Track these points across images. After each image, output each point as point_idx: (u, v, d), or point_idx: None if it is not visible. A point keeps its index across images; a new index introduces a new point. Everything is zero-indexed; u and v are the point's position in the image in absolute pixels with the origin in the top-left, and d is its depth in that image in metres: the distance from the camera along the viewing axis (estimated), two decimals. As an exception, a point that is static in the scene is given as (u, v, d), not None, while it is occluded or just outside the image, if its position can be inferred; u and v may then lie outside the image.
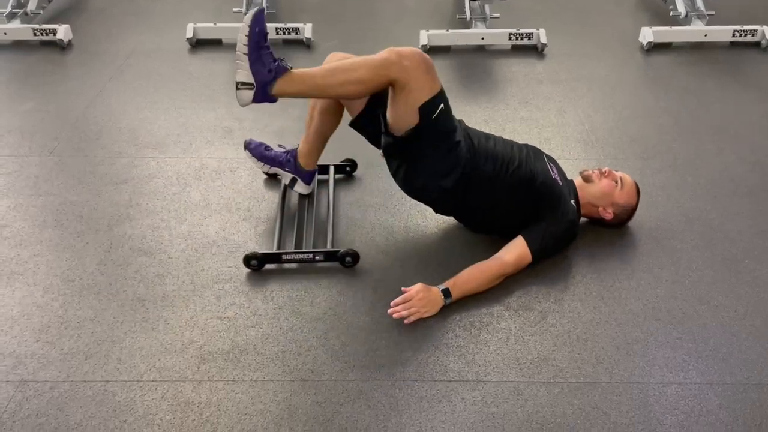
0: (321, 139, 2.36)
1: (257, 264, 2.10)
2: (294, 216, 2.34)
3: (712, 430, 1.64)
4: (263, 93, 1.95)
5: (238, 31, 1.95)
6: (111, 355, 1.82)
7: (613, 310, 1.99)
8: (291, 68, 1.96)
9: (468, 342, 1.87)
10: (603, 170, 2.23)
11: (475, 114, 3.04)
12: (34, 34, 3.61)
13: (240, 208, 2.40)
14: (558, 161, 2.36)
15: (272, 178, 2.52)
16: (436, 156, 2.04)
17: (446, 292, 1.96)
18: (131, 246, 2.21)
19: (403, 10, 4.20)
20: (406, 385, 1.75)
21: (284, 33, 3.69)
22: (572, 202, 2.16)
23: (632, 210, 2.26)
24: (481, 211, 2.15)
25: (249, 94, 1.95)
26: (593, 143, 2.83)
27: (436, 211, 2.27)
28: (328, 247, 2.15)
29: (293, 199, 2.43)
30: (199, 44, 3.68)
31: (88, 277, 2.09)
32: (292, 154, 2.37)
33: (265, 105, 3.08)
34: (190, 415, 1.66)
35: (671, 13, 3.84)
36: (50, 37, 3.60)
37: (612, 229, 2.28)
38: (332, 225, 2.26)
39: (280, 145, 2.46)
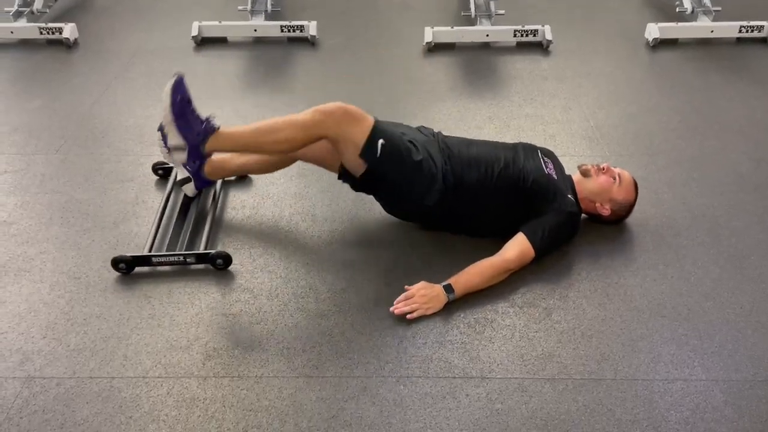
0: (242, 170, 2.38)
1: (125, 267, 2.06)
2: (179, 216, 2.28)
3: (718, 427, 1.64)
4: (196, 153, 2.01)
5: (169, 83, 2.00)
6: (117, 351, 1.83)
7: (618, 306, 1.98)
8: (218, 127, 2.00)
9: (472, 339, 1.88)
10: (602, 166, 2.23)
11: (479, 111, 3.04)
12: (41, 33, 3.63)
13: (245, 206, 2.41)
14: (563, 158, 2.36)
15: (161, 179, 2.50)
16: (403, 182, 2.07)
17: (448, 288, 1.96)
18: (137, 243, 2.22)
19: (407, 7, 4.20)
20: (411, 382, 1.75)
21: (289, 31, 3.69)
22: (569, 196, 2.16)
23: (630, 207, 2.25)
24: (473, 217, 2.16)
25: (182, 155, 2.01)
26: (598, 140, 2.82)
27: (437, 228, 2.23)
28: (201, 249, 2.11)
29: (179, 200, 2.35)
30: (204, 42, 3.69)
31: (94, 274, 2.10)
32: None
33: (268, 100, 3.12)
34: (196, 411, 1.67)
35: (677, 9, 3.82)
36: (56, 35, 3.61)
37: (611, 225, 2.28)
38: (209, 226, 2.22)
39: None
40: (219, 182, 2.44)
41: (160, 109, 1.95)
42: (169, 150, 2.02)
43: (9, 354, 1.83)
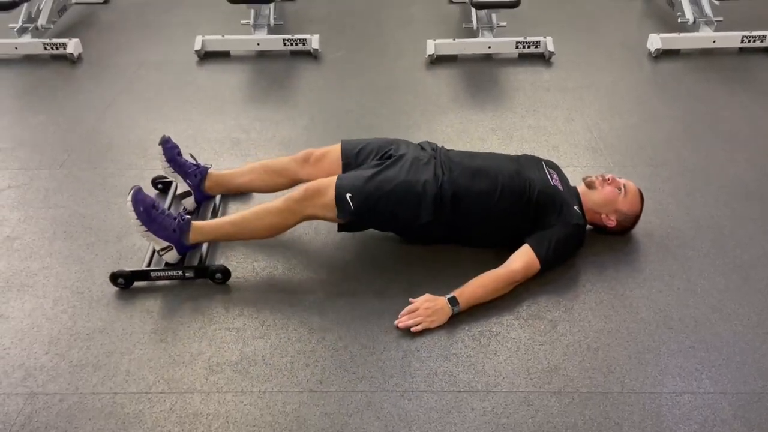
0: (239, 190, 2.42)
1: (124, 282, 2.06)
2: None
3: (727, 441, 1.62)
4: (182, 246, 2.08)
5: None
6: (120, 366, 1.82)
7: (624, 318, 1.97)
8: (191, 220, 2.08)
9: (477, 352, 1.86)
10: (606, 177, 2.22)
11: (482, 122, 3.04)
12: (45, 49, 3.65)
13: (248, 219, 2.40)
14: (566, 169, 2.35)
15: (161, 193, 2.52)
16: (390, 214, 2.09)
17: (453, 301, 1.95)
18: (140, 257, 2.21)
19: (409, 19, 4.21)
20: (416, 396, 1.73)
21: (291, 44, 3.71)
22: (575, 207, 2.15)
23: (636, 217, 2.24)
24: (478, 228, 2.14)
25: (173, 253, 2.08)
26: (602, 150, 2.82)
27: (442, 242, 2.23)
28: (199, 263, 2.12)
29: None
30: (207, 56, 3.70)
31: (97, 288, 2.09)
32: (201, 171, 2.36)
33: (271, 114, 3.12)
34: (199, 427, 1.66)
35: (679, 20, 3.83)
36: (60, 51, 3.63)
37: (616, 236, 2.27)
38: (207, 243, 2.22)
39: (191, 155, 2.42)
40: (218, 196, 2.45)
41: (132, 221, 2.02)
42: (164, 253, 2.09)
43: (12, 370, 1.82)
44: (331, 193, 2.06)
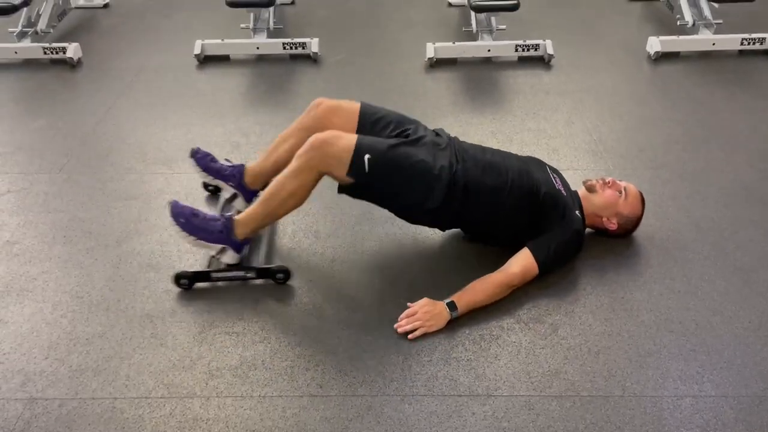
0: (277, 169, 2.33)
1: (187, 283, 2.08)
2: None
3: (729, 444, 1.61)
4: (236, 245, 2.07)
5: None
6: (119, 371, 1.82)
7: (625, 322, 1.96)
8: (233, 216, 2.08)
9: (478, 356, 1.86)
10: (607, 180, 2.22)
11: (482, 126, 3.04)
12: (44, 53, 3.66)
13: (248, 223, 2.40)
14: (566, 172, 2.35)
15: (212, 195, 2.53)
16: (400, 189, 2.05)
17: (451, 305, 1.94)
18: (140, 262, 2.21)
19: (409, 23, 4.22)
20: (416, 400, 1.73)
21: (291, 48, 3.71)
22: (577, 212, 2.15)
23: (637, 220, 2.24)
24: (486, 222, 2.14)
25: (231, 253, 2.08)
26: (602, 153, 2.81)
27: (443, 229, 2.25)
28: (261, 264, 2.13)
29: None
30: (207, 60, 3.71)
31: (96, 293, 2.09)
32: (238, 169, 2.36)
33: (270, 118, 3.12)
34: None
35: (678, 23, 3.83)
36: (60, 55, 3.64)
37: (618, 239, 2.26)
38: (268, 240, 2.25)
39: (226, 160, 2.45)
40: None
41: (179, 234, 2.05)
42: (221, 256, 2.10)
43: (11, 375, 1.81)
44: (347, 145, 1.99)
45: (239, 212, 2.24)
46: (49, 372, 1.82)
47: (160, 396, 1.74)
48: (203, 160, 2.38)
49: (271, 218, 2.13)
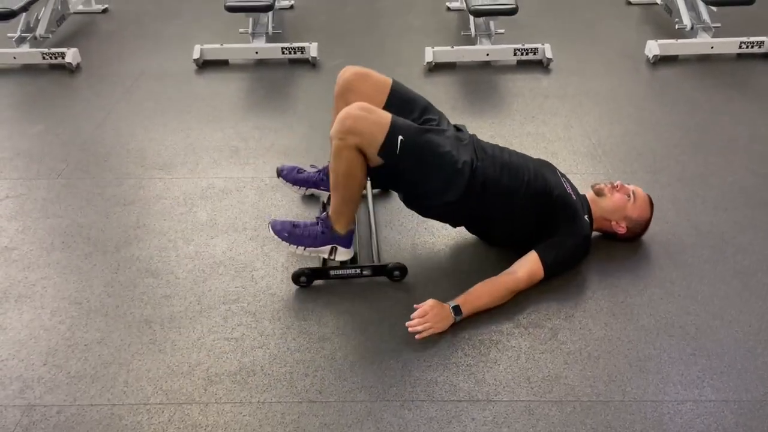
0: None
1: (306, 280, 2.10)
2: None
3: (729, 449, 1.61)
4: (341, 240, 2.09)
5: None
6: (118, 377, 1.81)
7: (625, 326, 1.96)
8: (327, 213, 2.09)
9: (478, 361, 1.85)
10: (615, 184, 2.21)
11: (481, 129, 3.03)
12: (43, 58, 3.66)
13: (247, 228, 2.40)
14: (566, 176, 2.34)
15: (311, 198, 2.54)
16: (423, 177, 2.03)
17: (456, 309, 1.94)
18: (138, 267, 2.21)
19: (408, 27, 4.22)
20: (415, 406, 1.72)
21: (290, 53, 3.72)
22: (585, 217, 2.15)
23: (646, 223, 2.24)
24: (499, 221, 2.13)
25: (341, 251, 2.10)
26: (600, 157, 2.81)
27: (454, 226, 2.25)
28: (375, 262, 2.16)
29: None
30: (205, 65, 3.71)
31: (95, 299, 2.08)
32: (324, 172, 2.38)
33: (269, 122, 3.12)
34: (198, 438, 1.65)
35: (677, 26, 3.83)
36: (59, 60, 3.64)
37: (624, 242, 2.26)
38: (376, 239, 2.26)
39: (312, 166, 2.47)
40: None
41: (289, 249, 2.08)
42: (334, 255, 2.10)
43: (9, 382, 1.81)
44: (379, 121, 1.94)
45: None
46: (47, 378, 1.81)
47: (159, 402, 1.74)
48: (291, 176, 2.42)
49: (350, 201, 2.07)
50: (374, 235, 2.28)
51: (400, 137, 1.95)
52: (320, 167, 2.44)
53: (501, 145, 2.24)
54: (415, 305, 1.97)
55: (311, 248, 2.07)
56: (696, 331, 1.94)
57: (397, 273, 2.11)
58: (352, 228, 2.12)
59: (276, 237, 2.06)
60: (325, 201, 2.40)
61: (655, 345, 1.89)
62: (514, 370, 1.82)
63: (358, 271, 2.12)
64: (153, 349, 1.90)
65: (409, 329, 1.91)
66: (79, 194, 2.61)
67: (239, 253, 2.27)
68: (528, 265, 2.03)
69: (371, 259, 2.20)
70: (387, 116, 1.98)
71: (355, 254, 2.15)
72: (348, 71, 2.23)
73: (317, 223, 2.08)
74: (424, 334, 1.90)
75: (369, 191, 2.49)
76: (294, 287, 2.12)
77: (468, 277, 2.06)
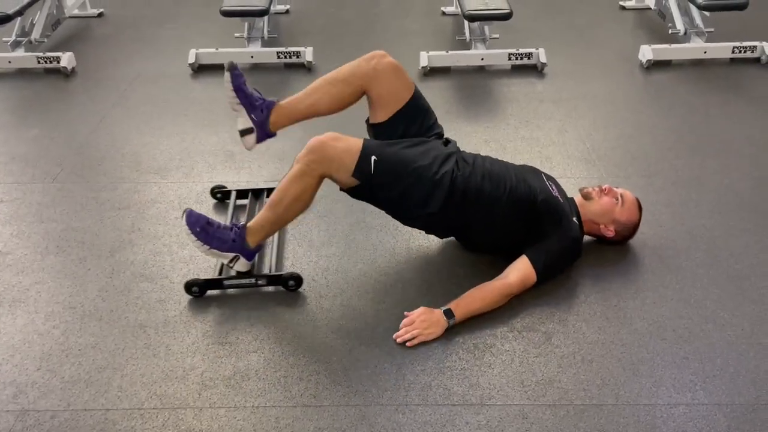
0: (310, 113, 2.24)
1: (198, 290, 2.08)
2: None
3: (722, 453, 1.61)
4: (247, 253, 2.08)
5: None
6: (112, 382, 1.81)
7: (618, 330, 1.97)
8: (245, 224, 2.07)
9: (472, 365, 1.85)
10: (603, 187, 2.22)
11: (476, 134, 3.04)
12: (38, 62, 3.66)
13: (242, 232, 2.40)
14: (560, 180, 2.35)
15: (220, 203, 2.53)
16: (402, 193, 2.05)
17: (449, 313, 1.94)
18: (133, 272, 2.21)
19: (403, 32, 4.23)
20: (410, 410, 1.72)
21: (285, 57, 3.72)
22: (574, 219, 2.16)
23: (634, 227, 2.25)
24: (483, 229, 2.14)
25: (243, 261, 2.08)
26: (595, 161, 2.83)
27: (441, 237, 2.26)
28: (272, 271, 2.14)
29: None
30: (201, 69, 3.71)
31: (89, 303, 2.08)
32: (268, 105, 2.18)
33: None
34: (192, 443, 1.65)
35: (670, 31, 3.86)
36: (54, 64, 3.64)
37: (614, 246, 2.27)
38: (276, 248, 2.26)
39: (255, 89, 2.23)
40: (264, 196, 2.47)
41: (192, 243, 2.03)
42: (233, 264, 2.09)
43: (2, 387, 1.80)
44: (349, 147, 1.99)
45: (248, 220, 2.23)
46: (41, 383, 1.81)
47: (153, 407, 1.74)
48: (238, 79, 2.16)
49: (279, 224, 2.11)
50: (274, 244, 2.27)
51: (373, 157, 1.99)
52: (267, 98, 2.22)
53: (496, 148, 2.25)
54: (405, 313, 1.97)
55: (216, 251, 2.04)
56: (689, 334, 1.95)
57: (292, 283, 2.09)
58: (262, 244, 2.14)
59: (186, 228, 2.00)
60: (242, 129, 2.20)
61: (648, 348, 1.90)
62: (508, 374, 1.83)
63: (254, 281, 2.09)
64: (147, 353, 1.90)
65: (398, 340, 1.91)
66: (74, 198, 2.61)
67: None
68: (519, 270, 2.04)
69: (270, 268, 2.17)
70: (357, 141, 2.03)
71: (253, 265, 2.12)
72: (385, 58, 2.16)
73: (231, 229, 2.06)
74: (414, 342, 1.90)
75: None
76: (292, 291, 2.12)
77: (463, 282, 2.07)
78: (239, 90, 2.15)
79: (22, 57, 3.69)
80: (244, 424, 1.69)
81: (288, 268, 2.22)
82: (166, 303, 2.08)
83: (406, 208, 2.11)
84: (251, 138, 2.14)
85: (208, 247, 2.02)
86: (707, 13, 3.76)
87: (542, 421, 1.69)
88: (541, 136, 3.03)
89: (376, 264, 2.24)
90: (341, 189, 2.11)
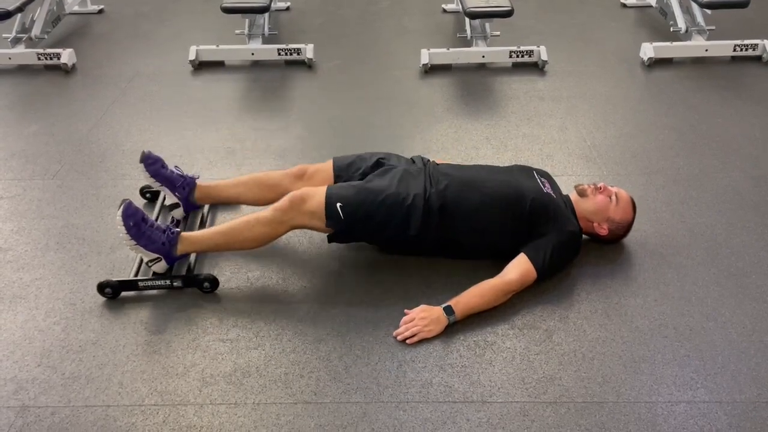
0: (232, 201, 2.42)
1: (111, 292, 2.06)
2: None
3: (723, 450, 1.61)
4: (171, 258, 2.08)
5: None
6: (112, 379, 1.81)
7: (619, 327, 1.97)
8: (179, 232, 2.09)
9: (473, 362, 1.85)
10: (598, 185, 2.22)
11: (476, 131, 3.04)
12: (39, 59, 3.65)
13: (242, 229, 2.39)
14: (560, 177, 2.35)
15: (149, 202, 2.52)
16: (378, 226, 2.09)
17: (448, 310, 1.94)
18: (133, 268, 2.20)
19: (403, 29, 4.23)
20: (411, 407, 1.72)
21: (286, 54, 3.72)
22: (569, 215, 2.15)
23: (628, 226, 2.24)
24: (472, 239, 2.13)
25: (162, 264, 2.08)
26: (595, 159, 2.82)
27: (436, 255, 2.21)
28: (188, 272, 2.12)
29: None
30: (201, 66, 3.71)
31: (90, 300, 2.08)
32: (189, 182, 2.36)
33: (265, 123, 3.13)
34: (192, 439, 1.65)
35: (671, 29, 3.85)
36: (54, 61, 3.63)
37: (609, 244, 2.27)
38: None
39: (176, 167, 2.40)
40: (206, 206, 2.45)
41: (121, 235, 2.01)
42: (153, 264, 2.09)
43: (3, 383, 1.80)
44: (319, 200, 2.06)
45: (179, 223, 2.32)
46: (41, 380, 1.81)
47: (154, 403, 1.73)
48: (154, 167, 2.32)
49: (222, 249, 2.18)
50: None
51: (338, 204, 2.05)
52: (185, 174, 2.37)
53: (497, 146, 2.25)
54: (405, 310, 1.97)
55: (141, 248, 2.03)
56: (690, 332, 1.95)
57: (207, 285, 2.08)
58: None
59: (120, 219, 1.98)
60: (168, 204, 2.35)
61: (649, 346, 1.90)
62: (508, 372, 1.82)
63: (168, 282, 2.08)
64: (148, 350, 1.90)
65: (398, 338, 1.91)
66: (74, 195, 2.60)
67: (234, 254, 2.27)
68: (518, 268, 2.04)
69: (187, 268, 2.15)
70: (321, 191, 2.09)
71: (171, 268, 2.12)
72: (300, 177, 2.29)
73: (164, 232, 2.06)
74: (414, 339, 1.90)
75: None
76: (294, 288, 2.12)
77: (464, 280, 2.07)
78: (157, 175, 2.31)
79: (23, 53, 3.68)
80: (245, 420, 1.69)
81: (289, 266, 2.22)
82: (166, 300, 2.07)
83: (390, 238, 2.15)
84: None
85: (135, 242, 2.02)
86: (708, 11, 3.75)
87: (543, 419, 1.69)
88: (542, 133, 3.02)
89: (378, 262, 2.24)
90: (330, 241, 2.18)
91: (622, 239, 2.28)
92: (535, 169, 2.28)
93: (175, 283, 2.08)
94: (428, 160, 2.30)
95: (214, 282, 2.08)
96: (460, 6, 3.78)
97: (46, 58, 3.64)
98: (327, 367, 1.84)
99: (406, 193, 2.08)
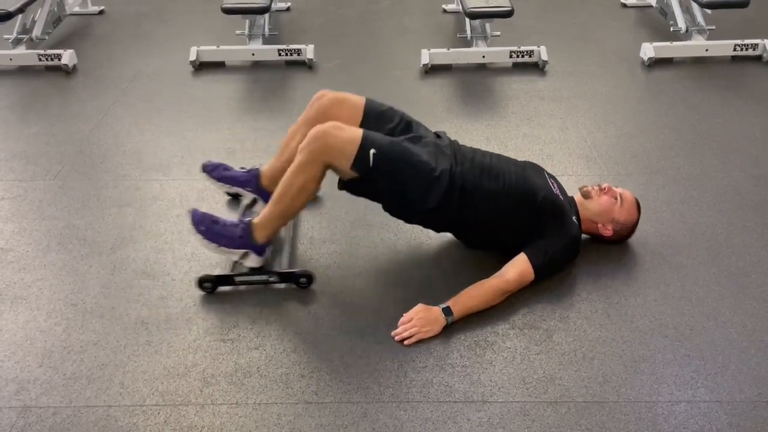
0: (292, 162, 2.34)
1: (210, 286, 2.08)
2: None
3: (723, 450, 1.62)
4: (256, 248, 2.08)
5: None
6: (114, 379, 1.81)
7: (620, 327, 1.97)
8: (251, 220, 2.08)
9: (473, 362, 1.86)
10: (603, 186, 2.22)
11: (477, 131, 3.04)
12: (39, 60, 3.65)
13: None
14: (560, 178, 2.35)
15: (235, 199, 2.53)
16: (401, 186, 2.05)
17: (447, 311, 1.95)
18: (134, 269, 2.21)
19: (404, 29, 4.23)
20: (411, 407, 1.73)
21: (286, 54, 3.72)
22: (574, 218, 2.16)
23: (632, 227, 2.25)
24: (482, 226, 2.14)
25: (253, 257, 2.09)
26: (596, 159, 2.82)
27: (437, 231, 2.26)
28: (284, 268, 2.14)
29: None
30: (202, 66, 3.71)
31: (91, 300, 2.08)
32: (253, 174, 2.37)
33: (266, 124, 3.13)
34: (193, 439, 1.65)
35: (672, 29, 3.85)
36: (55, 62, 3.63)
37: (613, 245, 2.27)
38: (291, 246, 2.27)
39: (241, 168, 2.43)
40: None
41: (200, 242, 2.05)
42: (244, 260, 2.10)
43: (5, 383, 1.80)
44: (353, 137, 1.98)
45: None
46: (43, 380, 1.81)
47: (155, 404, 1.74)
48: (216, 172, 2.38)
49: (286, 217, 2.12)
50: (288, 241, 2.27)
51: (372, 150, 1.98)
52: (249, 168, 2.40)
53: (497, 146, 2.25)
54: (404, 313, 1.97)
55: (225, 248, 2.05)
56: (690, 332, 1.95)
57: (303, 280, 2.08)
58: (272, 240, 2.13)
59: (192, 228, 2.02)
60: (248, 203, 2.38)
61: (650, 346, 1.90)
62: (509, 371, 1.83)
63: (266, 277, 2.09)
64: (149, 350, 1.90)
65: (396, 338, 1.91)
66: (75, 196, 2.61)
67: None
68: (517, 267, 2.04)
69: (281, 264, 2.17)
70: (358, 132, 2.02)
71: (266, 261, 2.12)
72: (325, 97, 2.26)
73: (238, 225, 2.07)
74: (413, 340, 1.90)
75: None
76: (294, 288, 2.12)
77: (464, 279, 2.07)
78: (223, 180, 2.35)
79: (23, 54, 3.69)
80: (246, 420, 1.69)
81: (290, 265, 2.22)
82: (167, 300, 2.08)
83: (404, 203, 2.10)
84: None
85: (216, 245, 2.03)
86: (709, 11, 3.75)
87: (543, 418, 1.69)
88: (542, 133, 3.02)
89: (377, 261, 2.24)
90: (340, 187, 2.11)
91: (627, 240, 2.28)
92: (545, 170, 2.28)
93: (271, 279, 2.09)
94: (452, 139, 2.25)
95: (310, 277, 2.09)
96: (461, 6, 3.78)
97: (47, 59, 3.65)
98: (328, 367, 1.84)
99: (436, 165, 2.05)
